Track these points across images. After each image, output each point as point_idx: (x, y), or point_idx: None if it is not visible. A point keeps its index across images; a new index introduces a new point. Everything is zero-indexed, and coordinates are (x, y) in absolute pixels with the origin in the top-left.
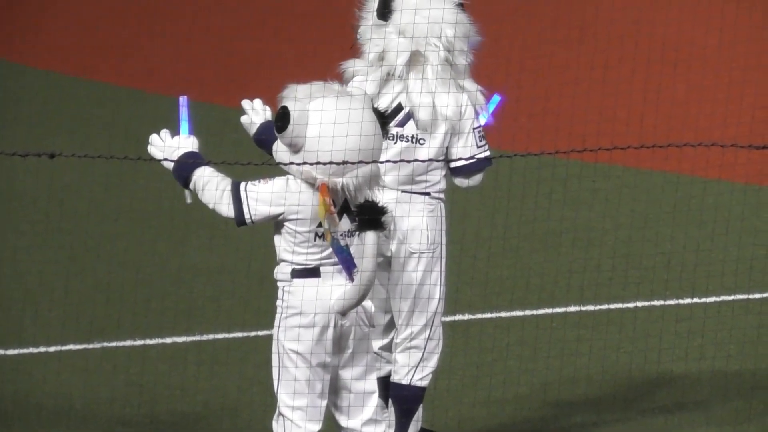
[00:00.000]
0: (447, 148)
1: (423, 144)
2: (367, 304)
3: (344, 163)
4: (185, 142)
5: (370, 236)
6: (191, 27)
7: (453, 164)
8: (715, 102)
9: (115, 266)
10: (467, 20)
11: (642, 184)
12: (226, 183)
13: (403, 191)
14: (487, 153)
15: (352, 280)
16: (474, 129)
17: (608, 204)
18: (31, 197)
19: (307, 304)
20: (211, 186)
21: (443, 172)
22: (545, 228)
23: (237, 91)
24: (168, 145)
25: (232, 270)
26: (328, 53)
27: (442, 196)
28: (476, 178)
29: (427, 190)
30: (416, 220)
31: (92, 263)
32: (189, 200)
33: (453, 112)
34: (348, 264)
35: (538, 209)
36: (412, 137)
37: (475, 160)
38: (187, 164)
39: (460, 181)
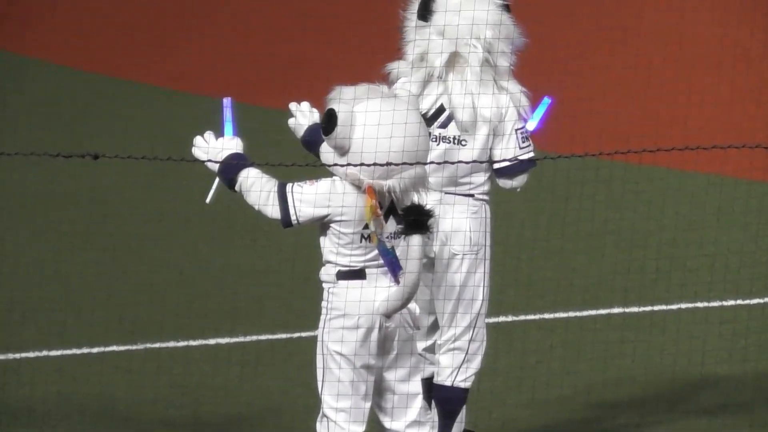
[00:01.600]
0: (490, 149)
1: (465, 145)
2: (412, 305)
3: (388, 164)
4: (229, 144)
5: (415, 238)
6: (231, 28)
7: (496, 165)
8: (759, 103)
9: (157, 267)
10: (510, 21)
11: (686, 186)
12: (272, 184)
13: (446, 193)
14: (531, 154)
15: (397, 282)
16: (516, 130)
17: (652, 206)
18: (74, 199)
19: (351, 305)
20: (256, 187)
21: (488, 174)
22: (589, 229)
23: (277, 92)
24: (212, 147)
25: (276, 271)
26: (369, 54)
27: (486, 197)
28: (520, 179)
29: (471, 192)
30: (459, 222)
31: (135, 264)
32: (209, 200)
33: (493, 113)
34: (394, 266)
35: (582, 210)
36: (454, 138)
37: (517, 161)
38: (232, 165)
39: (504, 182)
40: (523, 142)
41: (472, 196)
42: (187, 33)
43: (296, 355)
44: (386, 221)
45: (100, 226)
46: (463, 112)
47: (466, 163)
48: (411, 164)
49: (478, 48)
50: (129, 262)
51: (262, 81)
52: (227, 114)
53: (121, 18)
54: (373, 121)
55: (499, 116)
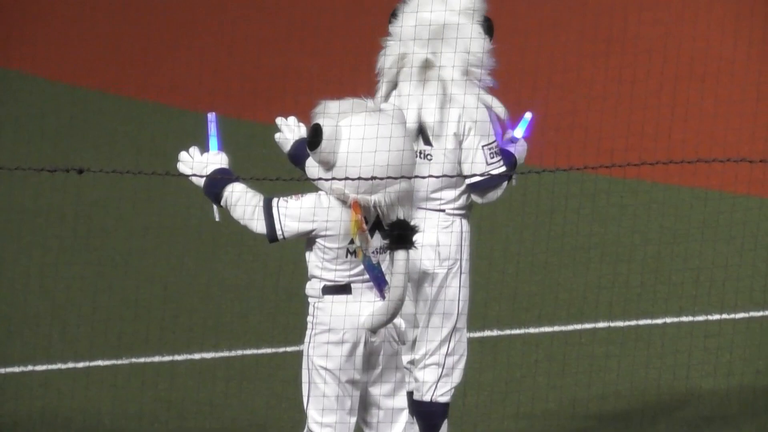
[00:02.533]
0: (459, 164)
1: (431, 160)
2: (398, 320)
3: (373, 179)
4: (214, 158)
5: (400, 253)
6: (217, 42)
7: (467, 181)
8: (743, 117)
9: (142, 282)
10: (481, 36)
11: (670, 200)
12: (257, 199)
13: (417, 208)
14: (502, 169)
15: (383, 297)
16: (483, 146)
17: (637, 219)
18: (59, 213)
19: (336, 320)
20: (242, 202)
21: (461, 189)
22: (574, 243)
23: (264, 105)
24: (197, 162)
25: (261, 286)
26: (355, 67)
27: (461, 212)
28: (491, 195)
29: (442, 207)
30: (429, 237)
31: (120, 279)
32: (218, 218)
33: (457, 128)
34: (379, 281)
35: (567, 224)
36: (421, 153)
37: (488, 176)
38: (217, 180)
39: (476, 198)
40: (491, 157)
41: (443, 211)
42: (173, 47)
43: (281, 370)
44: (372, 236)
45: (85, 240)
46: (429, 126)
47: (437, 177)
48: (395, 178)
49: (429, 51)
50: (114, 276)
51: (249, 94)
52: (212, 129)
53: (107, 31)
54: (357, 135)
55: (462, 131)
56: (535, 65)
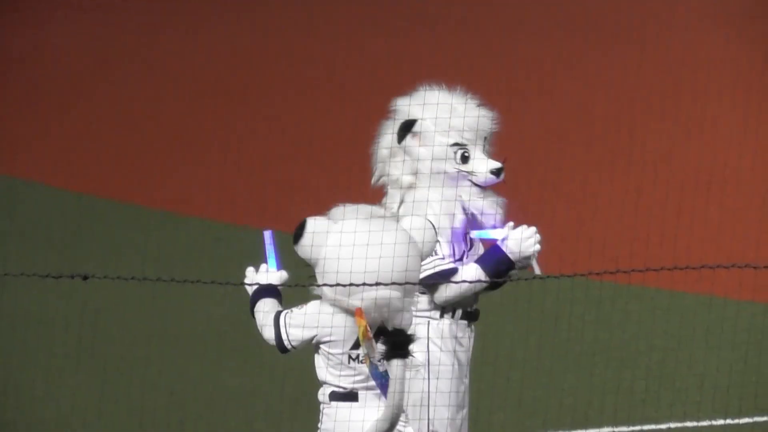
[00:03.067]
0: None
1: None
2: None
3: (350, 285)
4: (272, 276)
5: (397, 361)
6: (223, 154)
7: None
8: (748, 223)
9: (147, 389)
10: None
11: (675, 306)
12: (272, 314)
13: None
14: (440, 269)
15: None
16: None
17: (641, 325)
18: (64, 320)
19: (341, 426)
20: (260, 318)
21: (431, 291)
22: (578, 349)
23: (267, 213)
24: (252, 279)
25: (266, 393)
26: (359, 176)
27: (429, 314)
28: (440, 294)
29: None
30: None
31: (125, 386)
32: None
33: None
34: (385, 388)
35: (572, 330)
36: None
37: (428, 275)
38: (252, 298)
39: (431, 296)
40: (433, 254)
41: None
42: (181, 156)
43: None
44: (376, 342)
45: (90, 347)
46: None
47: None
48: (370, 285)
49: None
50: (119, 384)
51: (254, 202)
52: (269, 249)
53: (115, 141)
54: (347, 240)
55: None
56: (542, 174)
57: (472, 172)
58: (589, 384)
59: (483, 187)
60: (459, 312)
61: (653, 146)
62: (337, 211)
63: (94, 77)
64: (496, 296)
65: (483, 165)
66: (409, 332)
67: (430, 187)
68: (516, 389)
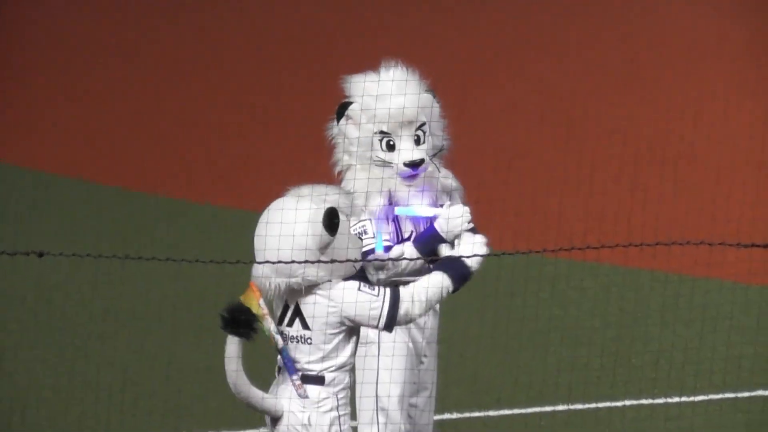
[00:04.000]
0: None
1: None
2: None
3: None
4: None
5: (231, 342)
6: (180, 127)
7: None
8: (702, 200)
9: (103, 365)
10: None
11: (630, 283)
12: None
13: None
14: (365, 249)
15: (292, 382)
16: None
17: (596, 302)
18: (19, 296)
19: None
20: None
21: (377, 273)
22: (533, 326)
23: (227, 190)
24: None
25: (220, 369)
26: (317, 154)
27: None
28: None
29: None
30: None
31: (81, 362)
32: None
33: None
34: (288, 367)
35: (526, 308)
36: None
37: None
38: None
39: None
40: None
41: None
42: (136, 132)
43: None
44: (293, 323)
45: (46, 324)
46: None
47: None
48: (273, 262)
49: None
50: (75, 360)
51: (213, 179)
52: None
53: (69, 117)
54: (270, 218)
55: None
56: (496, 149)
57: (389, 161)
58: (544, 361)
59: (413, 176)
60: None
61: (607, 121)
62: (293, 190)
63: (47, 52)
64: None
65: (399, 157)
66: (249, 314)
67: (358, 170)
68: (471, 366)
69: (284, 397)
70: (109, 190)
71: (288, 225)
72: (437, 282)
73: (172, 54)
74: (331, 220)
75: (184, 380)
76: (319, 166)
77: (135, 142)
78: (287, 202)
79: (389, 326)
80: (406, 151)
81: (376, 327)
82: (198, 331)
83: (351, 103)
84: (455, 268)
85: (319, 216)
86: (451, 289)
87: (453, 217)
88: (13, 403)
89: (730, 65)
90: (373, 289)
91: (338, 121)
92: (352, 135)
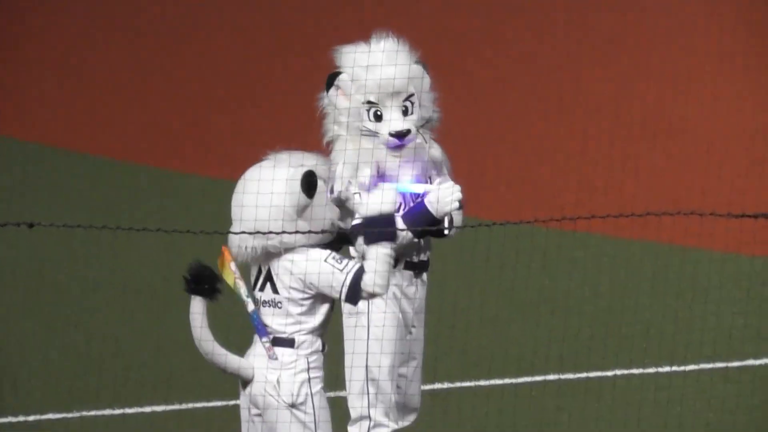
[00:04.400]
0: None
1: None
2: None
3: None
4: None
5: (195, 300)
6: (168, 98)
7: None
8: (693, 171)
9: (94, 336)
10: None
11: (621, 254)
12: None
13: None
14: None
15: (264, 346)
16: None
17: (587, 273)
18: (10, 268)
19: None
20: None
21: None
22: (524, 297)
23: (216, 161)
24: None
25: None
26: (305, 123)
27: None
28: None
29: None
30: None
31: (72, 334)
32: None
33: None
34: (258, 330)
35: (517, 278)
36: None
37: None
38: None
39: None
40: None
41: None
42: (126, 104)
43: (232, 423)
44: (263, 288)
45: (37, 295)
46: None
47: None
48: (251, 233)
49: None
50: (66, 331)
51: (201, 150)
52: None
53: (60, 88)
54: (248, 187)
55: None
56: (487, 121)
57: (375, 132)
58: (535, 332)
59: (400, 147)
60: (402, 262)
61: (599, 93)
62: (271, 156)
63: (37, 24)
64: (441, 244)
65: (386, 127)
66: (212, 274)
67: (347, 141)
68: (461, 338)
69: (256, 357)
70: (98, 161)
71: (266, 184)
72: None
73: (160, 25)
74: (309, 181)
75: (175, 352)
76: (308, 137)
77: (123, 113)
78: (265, 166)
79: (352, 299)
80: (393, 121)
81: (339, 298)
82: (189, 302)
83: (340, 73)
84: (420, 222)
85: (297, 175)
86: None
87: (445, 194)
88: (4, 374)
89: (719, 38)
90: (340, 262)
91: (327, 91)
92: (341, 105)
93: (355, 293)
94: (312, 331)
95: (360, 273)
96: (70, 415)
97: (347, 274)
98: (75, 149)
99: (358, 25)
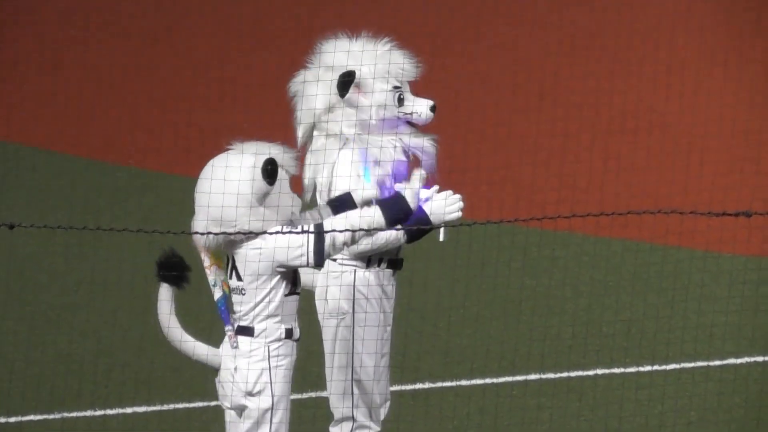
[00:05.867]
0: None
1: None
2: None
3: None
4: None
5: (163, 288)
6: (149, 99)
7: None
8: (674, 169)
9: (75, 337)
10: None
11: (601, 252)
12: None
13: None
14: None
15: (227, 335)
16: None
17: (568, 272)
18: None
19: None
20: None
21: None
22: (505, 296)
23: (195, 161)
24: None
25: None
26: (285, 123)
27: (355, 263)
28: (354, 247)
29: (334, 257)
30: (320, 289)
31: (53, 334)
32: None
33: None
34: (223, 318)
35: (498, 277)
36: None
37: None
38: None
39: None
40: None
41: (335, 260)
42: (107, 103)
43: (213, 424)
44: (230, 276)
45: (18, 295)
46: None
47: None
48: (227, 233)
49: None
50: (47, 331)
51: (182, 150)
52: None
53: (40, 87)
54: (211, 174)
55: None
56: (468, 119)
57: (413, 112)
58: (516, 331)
59: (417, 127)
60: (385, 261)
61: (580, 90)
62: (236, 146)
63: (15, 22)
64: (423, 243)
65: (422, 105)
66: (182, 263)
67: (370, 136)
68: (443, 336)
69: (223, 345)
70: (80, 162)
71: (229, 171)
72: (368, 213)
73: (142, 25)
74: (269, 168)
75: (157, 352)
76: (289, 138)
77: (105, 113)
78: (230, 155)
79: (319, 260)
80: (417, 99)
81: (308, 265)
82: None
83: (352, 72)
84: (393, 208)
85: (259, 162)
86: (383, 225)
87: (449, 203)
88: None
89: (699, 35)
90: (296, 228)
91: (343, 94)
92: (363, 103)
93: (320, 253)
94: (269, 317)
95: (319, 230)
96: (51, 417)
97: (307, 236)
98: (55, 149)
99: (336, 22)
